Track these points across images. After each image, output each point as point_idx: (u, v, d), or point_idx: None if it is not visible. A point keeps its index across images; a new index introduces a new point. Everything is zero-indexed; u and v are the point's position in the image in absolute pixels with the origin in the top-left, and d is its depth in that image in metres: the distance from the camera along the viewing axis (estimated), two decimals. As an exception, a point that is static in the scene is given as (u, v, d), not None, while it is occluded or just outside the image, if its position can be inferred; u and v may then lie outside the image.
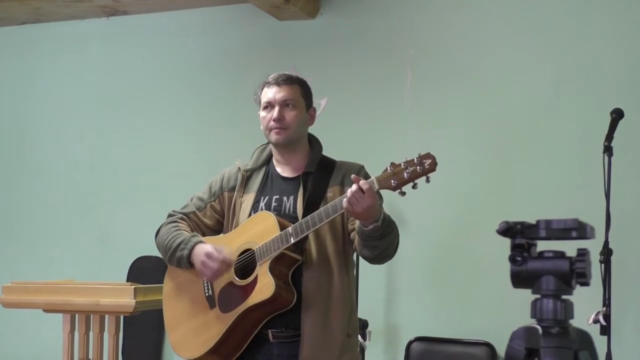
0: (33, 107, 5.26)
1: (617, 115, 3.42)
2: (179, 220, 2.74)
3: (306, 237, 2.48)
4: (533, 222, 1.62)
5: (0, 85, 5.39)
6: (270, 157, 2.72)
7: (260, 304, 2.44)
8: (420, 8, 4.39)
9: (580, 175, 3.91)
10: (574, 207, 3.76)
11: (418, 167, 2.23)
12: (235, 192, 2.69)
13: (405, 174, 2.24)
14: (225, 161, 4.69)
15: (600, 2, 4.07)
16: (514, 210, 3.73)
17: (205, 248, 2.57)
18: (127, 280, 4.62)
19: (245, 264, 2.55)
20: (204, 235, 2.72)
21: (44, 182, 5.16)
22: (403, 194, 2.30)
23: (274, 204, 2.60)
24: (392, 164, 2.30)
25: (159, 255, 4.68)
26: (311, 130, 2.75)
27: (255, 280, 2.48)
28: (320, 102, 4.35)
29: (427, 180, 2.27)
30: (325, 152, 2.72)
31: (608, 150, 3.28)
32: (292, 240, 2.43)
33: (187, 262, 2.61)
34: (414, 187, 2.28)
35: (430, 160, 2.24)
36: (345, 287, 2.56)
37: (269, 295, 2.41)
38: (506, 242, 1.67)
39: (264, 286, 2.44)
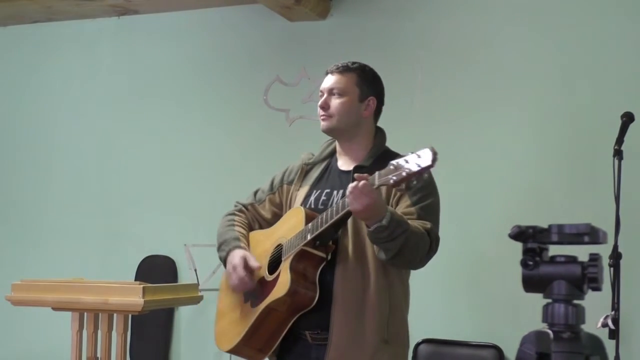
0: (43, 106, 5.27)
1: (628, 118, 3.41)
2: (237, 212, 2.77)
3: (330, 235, 2.41)
4: (544, 226, 1.62)
5: (11, 83, 5.41)
6: (335, 150, 2.69)
7: (278, 301, 2.41)
8: (430, 9, 4.39)
9: (590, 179, 3.90)
10: (584, 210, 3.76)
11: (416, 164, 2.12)
12: (293, 186, 2.69)
13: (403, 171, 2.14)
14: (234, 160, 4.75)
15: (611, 5, 4.05)
16: (524, 214, 3.75)
17: (235, 261, 2.56)
18: (136, 279, 4.63)
19: (275, 260, 2.54)
20: (261, 227, 2.74)
21: (53, 181, 5.17)
22: (402, 190, 2.26)
23: (322, 197, 2.56)
24: (399, 157, 2.20)
25: (168, 254, 4.79)
26: None
27: (278, 277, 2.46)
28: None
29: (424, 176, 2.18)
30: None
31: (618, 154, 3.26)
32: (309, 237, 2.38)
33: (224, 264, 2.65)
34: (411, 183, 2.21)
35: (428, 156, 2.12)
36: (383, 289, 2.45)
37: (284, 292, 2.38)
38: (515, 245, 1.66)
39: (281, 283, 2.41)
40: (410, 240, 2.32)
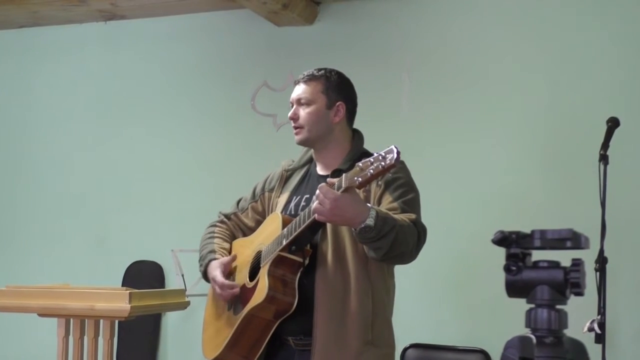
0: (30, 111, 5.25)
1: (613, 123, 3.43)
2: (218, 223, 2.81)
3: (306, 239, 2.42)
4: (528, 231, 1.63)
5: (-3, 89, 5.39)
6: (313, 155, 2.71)
7: (257, 307, 2.42)
8: (417, 15, 4.40)
9: (576, 183, 3.92)
10: (570, 215, 3.77)
11: (381, 164, 2.12)
12: (273, 193, 2.71)
13: (369, 171, 2.14)
14: (222, 167, 4.74)
15: (596, 10, 4.08)
16: (509, 219, 3.76)
17: (212, 273, 2.62)
18: (123, 285, 4.61)
19: (257, 266, 2.55)
20: (244, 235, 2.77)
21: (39, 186, 5.15)
22: (368, 191, 2.34)
23: (302, 203, 2.58)
24: (363, 160, 2.20)
25: (155, 260, 4.78)
26: None
27: (257, 283, 2.48)
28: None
29: (390, 175, 2.23)
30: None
31: (604, 159, 3.28)
32: (285, 242, 2.39)
33: (205, 279, 2.71)
34: (378, 183, 2.25)
35: (391, 155, 2.11)
36: (365, 291, 2.45)
37: (261, 299, 2.39)
38: (502, 250, 1.67)
39: (260, 289, 2.43)
40: (400, 235, 2.30)
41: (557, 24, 4.13)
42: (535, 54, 4.14)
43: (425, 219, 4.25)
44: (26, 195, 5.19)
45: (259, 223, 2.74)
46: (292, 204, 2.61)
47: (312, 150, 2.69)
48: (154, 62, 4.99)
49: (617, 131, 3.40)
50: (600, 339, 3.11)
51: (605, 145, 3.32)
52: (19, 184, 5.22)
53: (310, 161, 2.71)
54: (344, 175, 2.22)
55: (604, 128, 3.40)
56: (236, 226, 2.79)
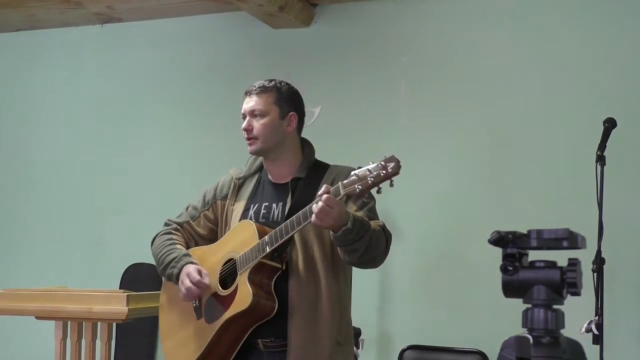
0: (27, 114, 5.25)
1: (610, 124, 3.43)
2: (173, 231, 2.77)
3: (286, 245, 2.47)
4: (525, 231, 1.63)
5: (-6, 92, 5.39)
6: (263, 163, 2.74)
7: (239, 314, 2.45)
8: (414, 17, 4.40)
9: (573, 184, 3.92)
10: (567, 216, 3.77)
11: (382, 172, 2.18)
12: (227, 201, 2.72)
13: (369, 179, 2.19)
14: (219, 169, 4.70)
15: (592, 12, 4.08)
16: (506, 220, 3.77)
17: (188, 269, 2.59)
18: (120, 288, 4.61)
19: (228, 275, 2.57)
20: (197, 244, 2.75)
21: (37, 189, 5.15)
22: (372, 194, 2.39)
23: (262, 211, 2.61)
24: (359, 168, 2.26)
25: (153, 262, 4.75)
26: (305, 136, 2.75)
27: (235, 290, 2.49)
28: (314, 110, 4.36)
29: (391, 184, 2.24)
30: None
31: (601, 159, 3.28)
32: (268, 249, 2.43)
33: (177, 281, 2.64)
34: (378, 191, 2.28)
35: (393, 164, 2.18)
36: (334, 295, 2.53)
37: (247, 305, 2.42)
38: (499, 250, 1.67)
39: (243, 296, 2.45)
40: (373, 238, 2.39)
41: (554, 25, 4.14)
42: (533, 55, 4.15)
43: (421, 220, 4.27)
44: (23, 198, 5.18)
45: (211, 231, 2.75)
46: (251, 212, 2.63)
47: (260, 158, 2.73)
48: (151, 65, 4.99)
49: (614, 132, 3.40)
50: (598, 340, 3.11)
51: (602, 145, 3.32)
52: (16, 187, 5.22)
53: (260, 169, 2.74)
54: (340, 183, 2.27)
55: (600, 129, 3.40)
56: (189, 236, 2.78)
